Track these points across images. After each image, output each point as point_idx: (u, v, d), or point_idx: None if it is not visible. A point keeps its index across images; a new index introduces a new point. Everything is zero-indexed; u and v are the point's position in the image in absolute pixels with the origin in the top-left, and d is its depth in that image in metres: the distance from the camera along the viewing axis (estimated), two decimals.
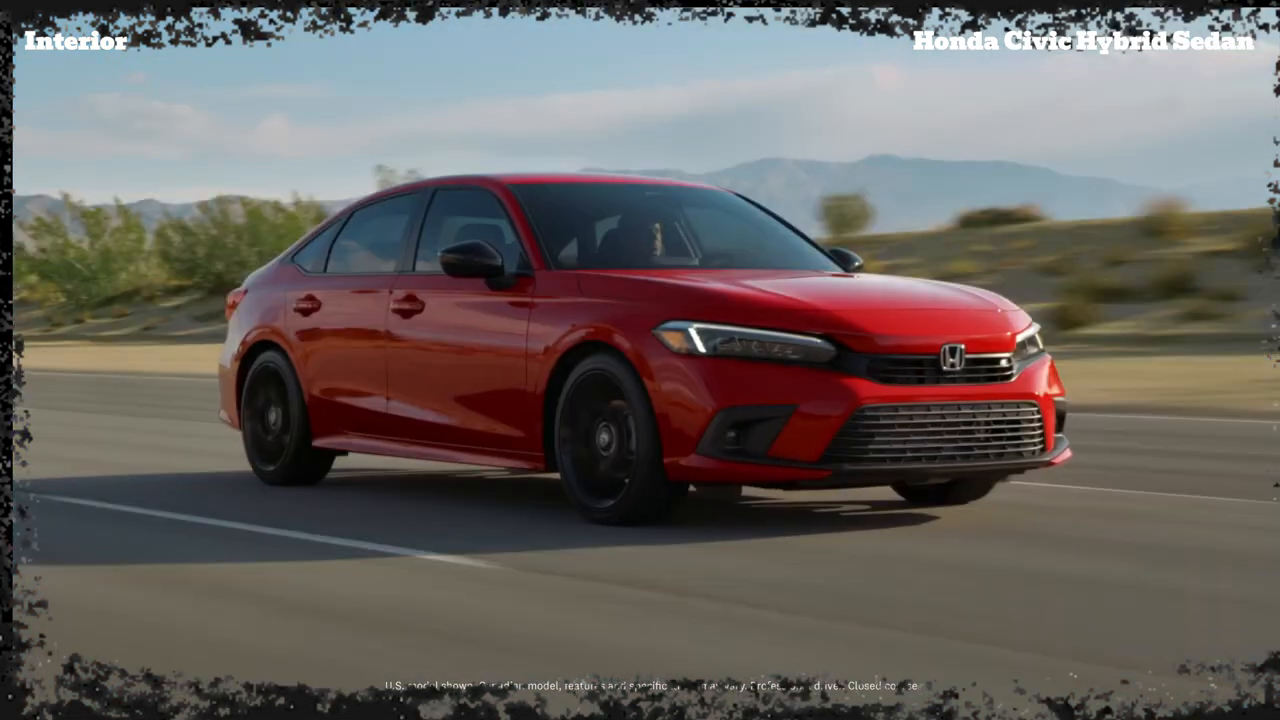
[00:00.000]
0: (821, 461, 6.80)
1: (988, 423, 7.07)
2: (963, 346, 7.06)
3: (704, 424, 6.81)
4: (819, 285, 7.68)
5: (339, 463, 9.49)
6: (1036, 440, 7.23)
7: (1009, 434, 7.13)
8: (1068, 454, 7.51)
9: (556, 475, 7.56)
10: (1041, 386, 7.30)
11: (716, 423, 6.80)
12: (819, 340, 6.91)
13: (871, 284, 8.08)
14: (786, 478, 6.92)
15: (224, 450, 11.00)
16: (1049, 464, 7.35)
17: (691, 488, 7.23)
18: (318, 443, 8.93)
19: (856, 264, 8.62)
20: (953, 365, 7.01)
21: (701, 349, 6.90)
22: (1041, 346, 7.58)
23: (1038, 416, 7.23)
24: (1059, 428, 7.44)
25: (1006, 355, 7.22)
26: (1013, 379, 7.20)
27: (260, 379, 9.31)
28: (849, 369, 6.88)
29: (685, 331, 6.94)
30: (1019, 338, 7.34)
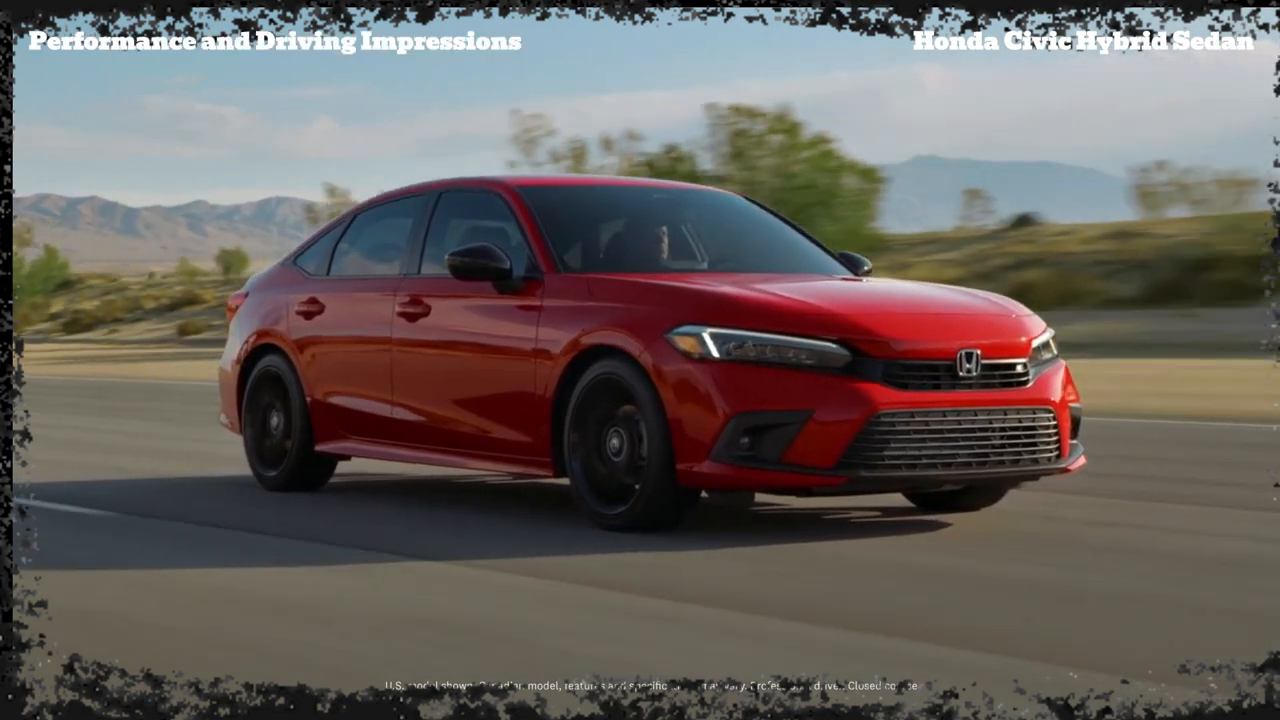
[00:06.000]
0: (837, 468, 6.74)
1: (1003, 429, 7.00)
2: (979, 352, 7.01)
3: (718, 430, 6.76)
4: (833, 289, 7.64)
5: (341, 468, 9.42)
6: (1052, 447, 7.16)
7: (1024, 440, 7.06)
8: (1083, 460, 7.45)
9: (565, 481, 7.53)
10: (1057, 392, 7.24)
11: (730, 428, 6.75)
12: (834, 345, 6.85)
13: (885, 288, 8.03)
14: (801, 484, 6.85)
15: (224, 454, 10.97)
16: (1064, 470, 7.29)
17: (703, 494, 7.18)
18: (320, 448, 8.86)
19: (866, 268, 8.53)
20: (969, 371, 6.96)
21: (715, 354, 6.85)
22: (1056, 351, 7.53)
23: (1053, 422, 7.17)
24: (1074, 434, 7.38)
25: (1022, 360, 7.17)
26: (1028, 385, 7.14)
27: (261, 383, 9.26)
28: (864, 374, 6.82)
29: (699, 336, 6.89)
30: (1034, 343, 7.28)
